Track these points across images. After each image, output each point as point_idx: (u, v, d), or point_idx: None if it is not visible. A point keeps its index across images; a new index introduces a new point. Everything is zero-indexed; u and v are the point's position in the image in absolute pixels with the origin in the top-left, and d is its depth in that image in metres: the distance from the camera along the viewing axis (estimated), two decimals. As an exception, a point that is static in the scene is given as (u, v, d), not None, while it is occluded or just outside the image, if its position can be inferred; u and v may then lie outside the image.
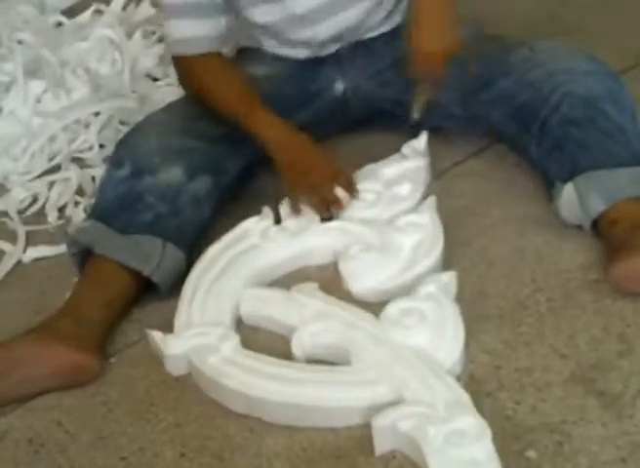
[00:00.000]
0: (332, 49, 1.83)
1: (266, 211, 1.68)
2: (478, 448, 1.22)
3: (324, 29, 1.78)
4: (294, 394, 1.35)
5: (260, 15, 1.77)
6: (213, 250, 1.62)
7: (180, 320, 1.52)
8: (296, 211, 1.66)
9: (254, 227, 1.65)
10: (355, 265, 1.55)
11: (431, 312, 1.42)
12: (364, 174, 1.73)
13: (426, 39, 1.62)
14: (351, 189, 1.66)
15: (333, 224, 1.64)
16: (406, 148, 1.78)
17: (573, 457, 1.25)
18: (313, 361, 1.43)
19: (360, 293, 1.54)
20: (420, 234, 1.57)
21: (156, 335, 1.49)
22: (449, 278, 1.49)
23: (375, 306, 1.48)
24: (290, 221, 1.65)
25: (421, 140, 1.79)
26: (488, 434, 1.23)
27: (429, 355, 1.37)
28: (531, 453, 1.26)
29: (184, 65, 1.78)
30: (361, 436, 1.32)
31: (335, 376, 1.38)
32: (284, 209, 1.68)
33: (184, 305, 1.54)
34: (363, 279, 1.54)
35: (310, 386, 1.36)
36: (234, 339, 1.46)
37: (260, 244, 1.62)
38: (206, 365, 1.43)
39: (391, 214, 1.64)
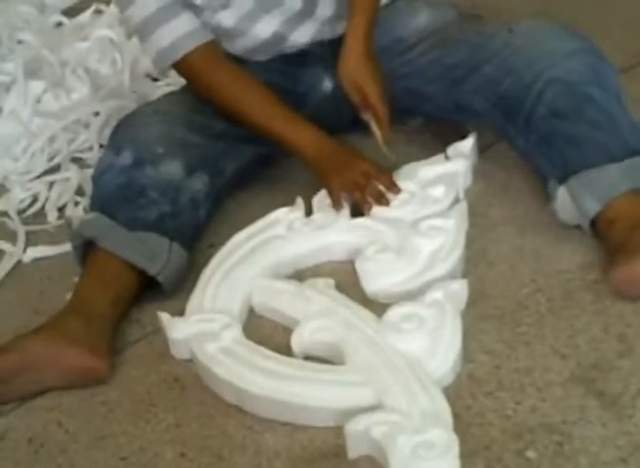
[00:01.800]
0: (302, 39, 1.79)
1: (299, 202, 1.67)
2: (444, 462, 1.21)
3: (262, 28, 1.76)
4: (277, 389, 1.36)
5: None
6: (238, 236, 1.63)
7: (192, 304, 1.53)
8: (338, 207, 1.64)
9: (283, 217, 1.65)
10: (370, 265, 1.55)
11: (431, 319, 1.41)
12: (403, 172, 1.71)
13: (345, 71, 1.68)
14: (392, 187, 1.65)
15: (357, 221, 1.64)
16: (450, 150, 1.76)
17: (573, 457, 1.25)
18: (311, 357, 1.43)
19: (373, 294, 1.54)
20: (441, 239, 1.56)
21: (164, 317, 1.50)
22: (459, 286, 1.48)
23: (388, 308, 1.47)
24: (319, 215, 1.64)
25: (468, 143, 1.76)
26: (455, 449, 1.22)
27: (421, 363, 1.36)
28: (531, 453, 1.26)
29: (187, 69, 1.74)
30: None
31: (320, 375, 1.38)
32: (317, 201, 1.67)
33: (199, 289, 1.55)
34: (376, 280, 1.54)
35: (294, 383, 1.36)
36: (236, 329, 1.46)
37: (285, 235, 1.62)
38: (203, 352, 1.43)
39: (420, 215, 1.62)
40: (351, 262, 1.60)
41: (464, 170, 1.73)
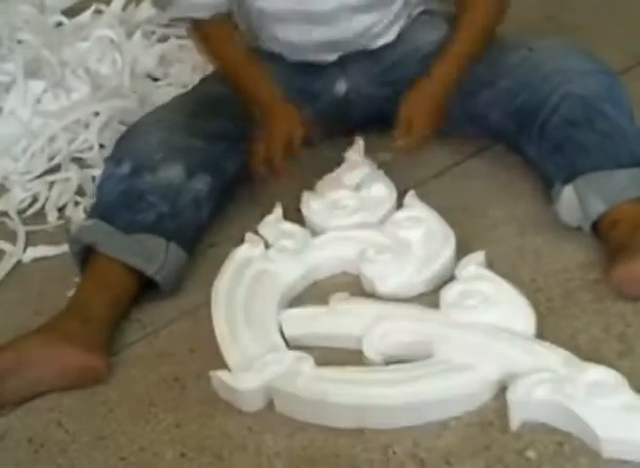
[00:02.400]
0: (330, 57, 1.82)
1: (250, 236, 1.64)
2: (623, 393, 1.24)
3: (332, 32, 1.78)
4: (413, 393, 1.33)
5: (274, 2, 1.77)
6: (222, 286, 1.56)
7: (234, 360, 1.44)
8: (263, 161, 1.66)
9: (252, 254, 1.61)
10: (377, 267, 1.55)
11: (488, 289, 1.43)
12: (328, 183, 1.73)
13: (412, 95, 1.70)
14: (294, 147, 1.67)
15: (333, 235, 1.63)
16: (352, 155, 1.78)
17: (573, 457, 1.25)
18: (389, 363, 1.41)
19: (389, 293, 1.53)
20: (422, 227, 1.58)
21: (223, 375, 1.41)
22: (481, 257, 1.51)
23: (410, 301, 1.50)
24: (285, 241, 1.62)
25: (360, 146, 1.79)
26: (624, 380, 1.26)
27: (509, 328, 1.38)
28: (531, 453, 1.26)
29: (195, 32, 1.84)
30: (360, 433, 1.33)
31: (433, 369, 1.36)
32: (265, 229, 1.66)
33: (230, 345, 1.46)
34: (389, 278, 1.53)
35: (416, 383, 1.34)
36: (309, 359, 1.40)
37: (268, 268, 1.59)
38: (300, 388, 1.37)
39: (380, 215, 1.65)
40: (335, 276, 1.61)
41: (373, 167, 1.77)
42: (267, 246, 1.63)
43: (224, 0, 1.77)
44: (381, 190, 1.70)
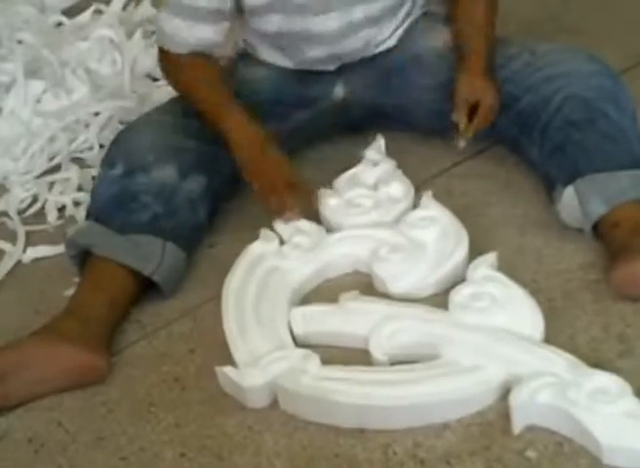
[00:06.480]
0: (330, 66, 1.83)
1: (265, 232, 1.63)
2: (626, 400, 1.24)
3: (334, 49, 1.78)
4: (416, 394, 1.33)
5: (272, 24, 1.75)
6: (233, 282, 1.56)
7: (241, 357, 1.43)
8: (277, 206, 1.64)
9: (266, 251, 1.60)
10: (390, 267, 1.54)
11: (498, 291, 1.43)
12: (344, 181, 1.73)
13: (468, 80, 1.70)
14: (306, 202, 1.65)
15: (347, 233, 1.63)
16: (370, 153, 1.77)
17: (573, 457, 1.25)
18: (395, 363, 1.41)
19: (401, 293, 1.52)
20: (436, 227, 1.58)
21: (229, 371, 1.40)
22: (493, 258, 1.51)
23: (420, 302, 1.50)
24: (299, 237, 1.61)
25: (380, 144, 1.79)
26: (628, 387, 1.25)
27: (516, 331, 1.38)
28: (531, 453, 1.26)
29: (166, 58, 1.80)
30: (360, 433, 1.33)
31: (440, 370, 1.35)
32: (280, 227, 1.65)
33: (238, 342, 1.46)
34: (402, 278, 1.53)
35: (421, 384, 1.34)
36: (315, 358, 1.40)
37: (281, 265, 1.58)
38: (304, 386, 1.36)
39: (395, 214, 1.64)
40: (347, 275, 1.61)
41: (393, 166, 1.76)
42: (282, 242, 1.63)
43: (220, 41, 1.74)
44: (399, 189, 1.69)
